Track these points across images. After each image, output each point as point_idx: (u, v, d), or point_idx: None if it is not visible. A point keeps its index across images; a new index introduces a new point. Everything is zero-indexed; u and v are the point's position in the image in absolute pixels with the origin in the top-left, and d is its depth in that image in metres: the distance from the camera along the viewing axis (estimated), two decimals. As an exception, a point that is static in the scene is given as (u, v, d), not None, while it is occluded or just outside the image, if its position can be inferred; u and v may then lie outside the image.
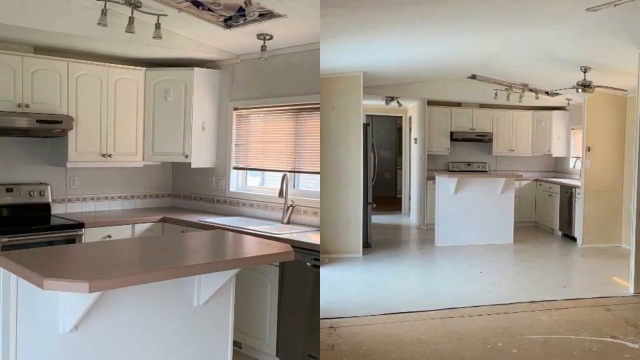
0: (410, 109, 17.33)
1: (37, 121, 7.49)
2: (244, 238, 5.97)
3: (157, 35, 6.88)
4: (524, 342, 6.77)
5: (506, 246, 12.77)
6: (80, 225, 7.66)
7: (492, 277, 9.90)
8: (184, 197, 9.72)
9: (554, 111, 16.08)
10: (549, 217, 15.14)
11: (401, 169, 19.12)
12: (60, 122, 7.71)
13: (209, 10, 6.92)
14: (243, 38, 7.81)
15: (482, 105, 15.70)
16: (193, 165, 8.97)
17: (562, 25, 7.72)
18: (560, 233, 14.41)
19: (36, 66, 7.62)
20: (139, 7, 6.51)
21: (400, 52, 9.75)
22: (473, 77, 12.75)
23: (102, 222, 7.98)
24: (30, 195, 8.04)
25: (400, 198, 18.85)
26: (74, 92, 7.99)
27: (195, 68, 8.81)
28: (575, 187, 13.42)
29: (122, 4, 6.50)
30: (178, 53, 8.35)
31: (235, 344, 6.62)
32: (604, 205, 12.98)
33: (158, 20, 6.82)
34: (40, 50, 7.91)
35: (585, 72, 10.45)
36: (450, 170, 15.81)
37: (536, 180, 16.01)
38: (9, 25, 6.65)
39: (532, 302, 8.35)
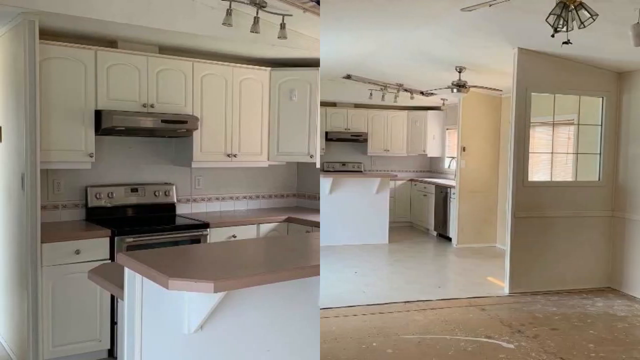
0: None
1: (162, 121, 7.55)
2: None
3: (282, 35, 6.85)
4: (399, 342, 6.87)
5: (381, 246, 12.91)
6: (205, 225, 7.71)
7: (367, 277, 10.02)
8: (308, 197, 9.68)
9: (429, 111, 16.23)
10: (424, 217, 15.24)
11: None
12: (185, 122, 7.75)
13: (334, 10, 6.88)
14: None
15: (357, 105, 15.92)
16: (318, 165, 8.95)
17: (437, 25, 7.65)
18: (435, 233, 14.52)
19: (161, 66, 7.69)
20: (264, 7, 6.48)
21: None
22: (348, 77, 12.56)
23: (227, 222, 8.01)
24: (156, 195, 8.12)
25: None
26: (199, 92, 8.03)
27: (320, 68, 8.72)
28: (450, 187, 13.54)
29: (247, 4, 6.48)
30: (303, 53, 8.30)
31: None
32: (479, 205, 13.13)
33: (283, 20, 6.78)
34: (165, 50, 8.00)
35: (460, 72, 10.56)
36: (325, 170, 15.91)
37: (411, 180, 16.11)
38: (134, 26, 6.72)
39: (407, 302, 8.45)
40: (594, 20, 5.35)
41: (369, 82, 12.97)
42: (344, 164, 16.27)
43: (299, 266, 4.09)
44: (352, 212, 12.80)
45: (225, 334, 4.13)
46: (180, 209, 8.50)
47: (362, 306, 8.24)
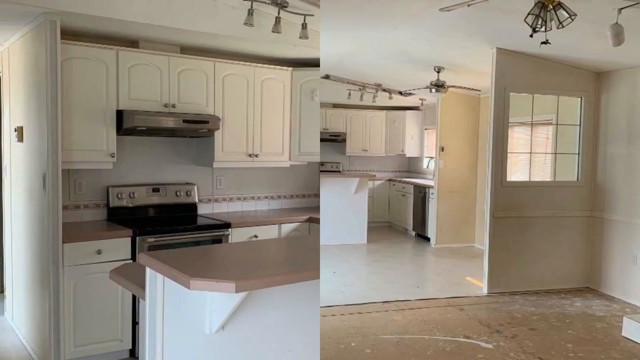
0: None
1: (184, 121, 7.55)
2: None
3: (304, 35, 6.85)
4: (378, 342, 6.95)
5: (360, 246, 12.92)
6: (227, 225, 7.72)
7: (345, 277, 10.02)
8: (331, 196, 9.69)
9: (407, 111, 16.14)
10: (402, 217, 15.22)
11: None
12: (206, 122, 7.76)
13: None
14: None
15: (336, 105, 15.78)
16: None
17: (415, 25, 7.66)
18: (413, 233, 14.51)
19: (183, 66, 7.69)
20: (285, 7, 6.50)
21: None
22: (327, 77, 12.53)
23: (248, 222, 8.02)
24: (177, 195, 8.13)
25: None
26: (220, 92, 8.03)
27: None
28: (429, 187, 13.50)
29: (269, 4, 6.50)
30: (324, 53, 8.30)
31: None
32: (457, 205, 13.16)
33: (305, 20, 6.78)
34: (187, 50, 8.02)
35: (439, 72, 10.60)
36: (303, 170, 15.83)
37: (390, 180, 16.05)
38: (155, 26, 6.74)
39: (386, 302, 8.50)
40: (573, 20, 5.40)
41: (348, 82, 13.01)
42: (322, 164, 16.10)
43: (320, 266, 4.08)
44: (330, 212, 12.68)
45: (247, 334, 4.13)
46: (202, 209, 8.51)
47: (341, 306, 8.32)
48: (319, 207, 9.63)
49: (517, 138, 10.68)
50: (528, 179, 9.92)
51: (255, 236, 7.93)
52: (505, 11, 6.45)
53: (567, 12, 5.33)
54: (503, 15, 6.66)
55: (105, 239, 6.78)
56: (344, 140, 16.04)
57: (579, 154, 9.55)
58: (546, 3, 5.32)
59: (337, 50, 9.68)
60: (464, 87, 11.52)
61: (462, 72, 10.66)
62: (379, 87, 13.31)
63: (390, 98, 13.94)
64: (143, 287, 4.09)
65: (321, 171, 15.49)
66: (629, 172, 8.89)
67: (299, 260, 4.62)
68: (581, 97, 9.49)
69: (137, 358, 6.82)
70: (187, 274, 3.48)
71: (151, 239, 7.02)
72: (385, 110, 16.26)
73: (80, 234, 6.74)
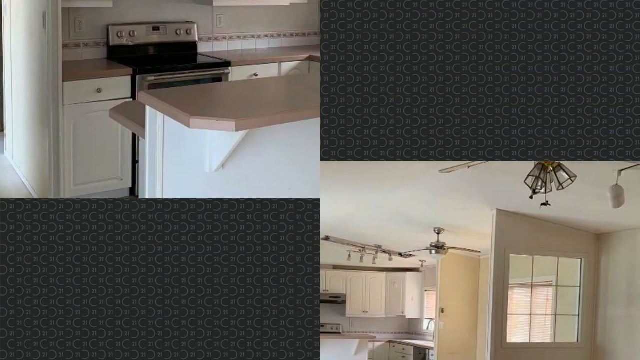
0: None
1: (182, -41, 7.43)
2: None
3: None
4: None
5: None
6: (227, 64, 7.63)
7: None
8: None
9: (407, 272, 15.30)
10: None
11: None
12: (205, -42, 7.63)
13: None
14: None
15: (336, 267, 14.87)
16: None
17: (415, 187, 7.52)
18: None
19: None
20: None
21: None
22: (327, 238, 12.34)
23: (248, 61, 7.93)
24: (177, 34, 8.01)
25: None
26: None
27: None
28: (429, 348, 12.84)
29: None
30: None
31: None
32: None
33: None
34: None
35: (438, 233, 10.23)
36: (300, 334, 15.53)
37: (390, 341, 15.25)
38: None
39: None
40: (573, 181, 5.47)
41: (347, 244, 12.82)
42: (322, 325, 15.79)
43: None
44: (330, 375, 12.54)
45: (247, 173, 4.13)
46: (202, 48, 8.34)
47: None
48: (319, 45, 9.57)
49: (517, 299, 10.50)
50: (528, 341, 9.82)
51: (255, 75, 7.85)
52: (505, 172, 6.40)
53: (567, 173, 5.41)
54: (503, 176, 6.63)
55: (105, 78, 6.72)
56: (344, 302, 15.61)
57: (579, 315, 9.34)
58: (546, 165, 5.36)
59: (336, 212, 9.57)
60: (464, 249, 11.36)
61: (462, 234, 10.51)
62: (378, 248, 13.12)
63: (390, 259, 13.66)
64: (143, 125, 4.02)
65: (321, 333, 15.28)
66: (629, 334, 8.77)
67: (299, 99, 4.60)
68: (581, 259, 9.28)
69: (137, 196, 6.79)
70: (187, 112, 3.47)
71: (151, 78, 6.95)
72: (385, 272, 15.85)
73: (80, 73, 6.68)
